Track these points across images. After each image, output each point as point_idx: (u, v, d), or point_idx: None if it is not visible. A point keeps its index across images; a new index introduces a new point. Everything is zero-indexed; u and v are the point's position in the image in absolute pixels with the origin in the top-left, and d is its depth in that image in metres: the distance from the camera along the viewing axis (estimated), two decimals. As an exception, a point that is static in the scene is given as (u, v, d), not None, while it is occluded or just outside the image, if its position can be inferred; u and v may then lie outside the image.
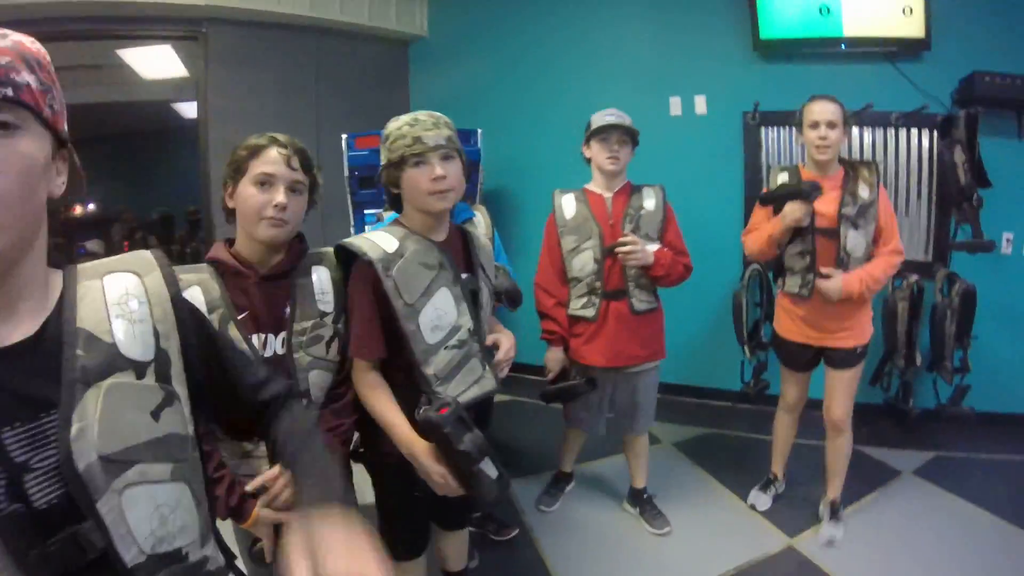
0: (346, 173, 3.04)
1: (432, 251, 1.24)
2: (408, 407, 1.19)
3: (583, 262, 1.97)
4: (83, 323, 0.56)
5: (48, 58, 0.56)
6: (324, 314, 1.16)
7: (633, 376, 2.05)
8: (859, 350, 2.00)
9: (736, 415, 3.20)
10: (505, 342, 1.38)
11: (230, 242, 1.19)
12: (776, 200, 1.94)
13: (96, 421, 0.53)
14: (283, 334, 1.12)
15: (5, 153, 0.50)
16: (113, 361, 0.55)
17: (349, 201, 3.09)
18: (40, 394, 0.52)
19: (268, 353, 1.11)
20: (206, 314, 0.96)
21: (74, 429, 0.52)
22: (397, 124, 1.24)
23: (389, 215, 1.74)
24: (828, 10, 2.99)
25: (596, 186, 2.03)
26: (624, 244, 1.88)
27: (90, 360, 0.54)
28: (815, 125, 1.88)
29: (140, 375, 0.57)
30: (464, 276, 1.29)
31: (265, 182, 1.11)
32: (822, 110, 1.87)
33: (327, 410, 1.19)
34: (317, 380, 1.15)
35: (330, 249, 1.26)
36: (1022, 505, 2.19)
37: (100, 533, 0.52)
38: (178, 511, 0.57)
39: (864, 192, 1.89)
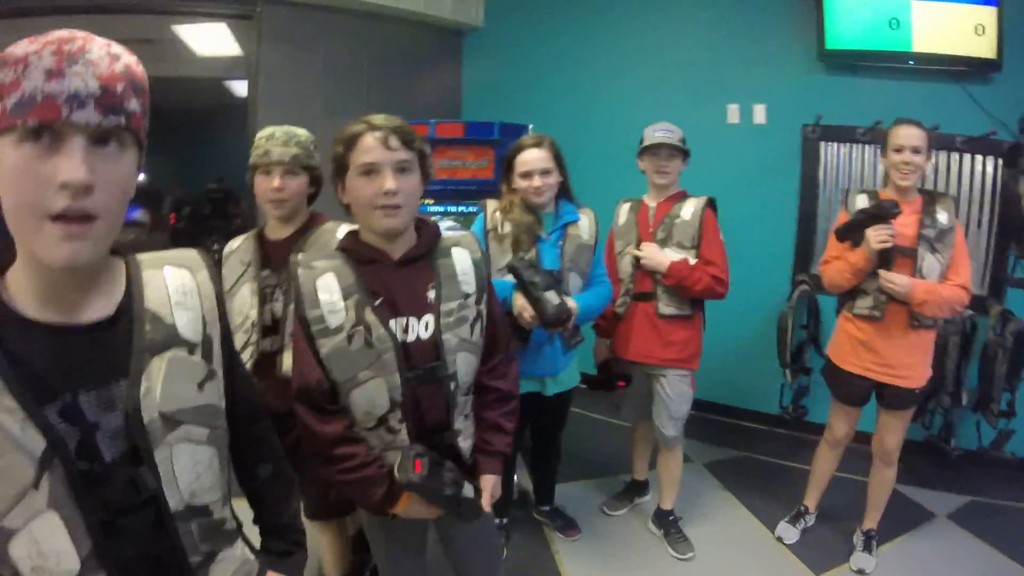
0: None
1: (249, 250, 1.47)
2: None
3: (624, 264, 2.10)
4: (150, 304, 0.66)
5: (146, 77, 0.63)
6: (467, 295, 1.15)
7: (658, 376, 2.08)
8: (918, 392, 1.95)
9: (771, 439, 3.12)
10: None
11: (354, 232, 1.18)
12: (856, 231, 1.87)
13: (159, 384, 0.63)
14: (427, 317, 1.11)
15: (112, 175, 0.58)
16: (172, 338, 0.66)
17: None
18: (113, 365, 0.62)
19: (411, 338, 1.10)
20: (342, 299, 1.07)
21: (143, 388, 0.62)
22: (261, 133, 1.45)
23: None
24: (898, 23, 2.86)
25: (648, 196, 2.14)
26: (639, 251, 2.03)
27: (156, 335, 0.65)
28: (900, 149, 1.86)
29: (191, 352, 0.67)
30: (264, 272, 1.44)
31: (370, 171, 1.08)
32: (908, 135, 1.85)
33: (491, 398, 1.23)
34: (464, 362, 1.14)
35: (468, 232, 1.29)
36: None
37: (152, 478, 0.62)
38: (209, 471, 0.68)
39: (943, 218, 1.88)
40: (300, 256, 1.11)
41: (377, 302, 1.07)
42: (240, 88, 3.91)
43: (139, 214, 4.67)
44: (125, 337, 0.63)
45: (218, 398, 0.70)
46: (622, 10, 3.56)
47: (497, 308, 1.24)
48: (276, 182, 1.41)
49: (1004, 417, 2.62)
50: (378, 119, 1.10)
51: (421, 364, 1.09)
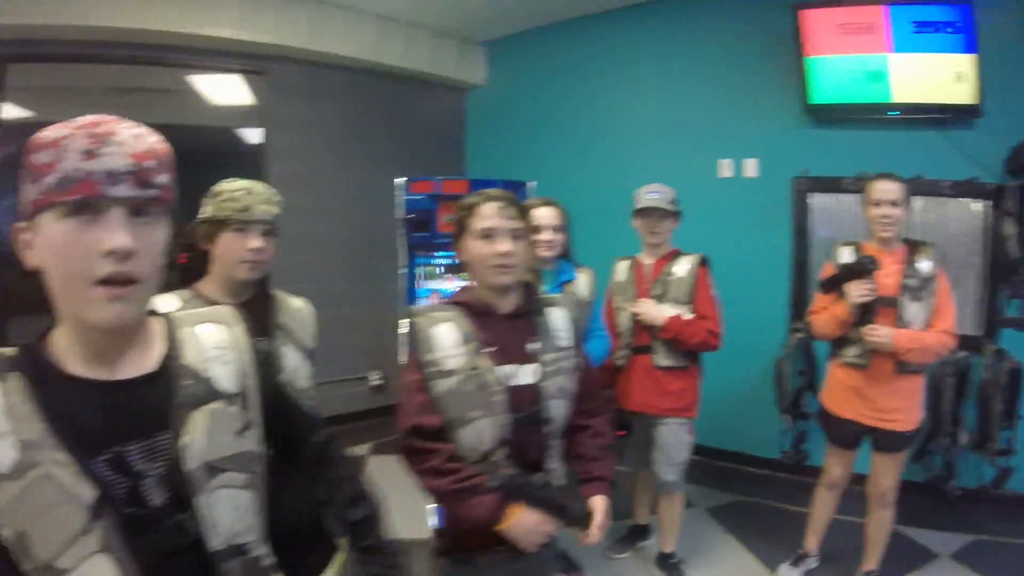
0: (400, 216, 3.10)
1: None
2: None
3: (623, 319, 2.19)
4: (188, 360, 0.71)
5: (170, 153, 0.69)
6: (562, 348, 1.28)
7: (657, 425, 2.14)
8: (909, 434, 2.00)
9: (772, 484, 3.14)
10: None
11: (466, 288, 1.32)
12: (837, 284, 1.97)
13: (200, 435, 0.67)
14: (530, 365, 1.23)
15: (149, 242, 0.65)
16: (210, 392, 0.70)
17: (400, 243, 3.12)
18: (156, 418, 0.66)
19: (515, 383, 1.21)
20: (461, 344, 1.19)
21: (185, 440, 0.66)
22: (232, 186, 1.32)
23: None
24: (877, 76, 2.98)
25: (643, 254, 2.25)
26: (637, 307, 2.12)
27: (195, 389, 0.69)
28: (878, 203, 1.96)
29: (230, 403, 0.71)
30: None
31: (488, 235, 1.22)
32: (884, 189, 1.95)
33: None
34: (559, 408, 1.25)
35: (561, 295, 1.41)
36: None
37: (196, 523, 0.66)
38: (248, 513, 0.71)
39: (925, 267, 1.95)
40: (414, 307, 1.26)
41: (490, 349, 1.19)
42: (252, 136, 4.07)
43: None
44: (166, 392, 0.67)
45: (256, 444, 0.73)
46: (618, 70, 3.71)
47: (588, 360, 1.36)
48: (257, 242, 1.30)
49: (1003, 455, 2.64)
50: (495, 192, 1.26)
51: (523, 408, 1.19)
